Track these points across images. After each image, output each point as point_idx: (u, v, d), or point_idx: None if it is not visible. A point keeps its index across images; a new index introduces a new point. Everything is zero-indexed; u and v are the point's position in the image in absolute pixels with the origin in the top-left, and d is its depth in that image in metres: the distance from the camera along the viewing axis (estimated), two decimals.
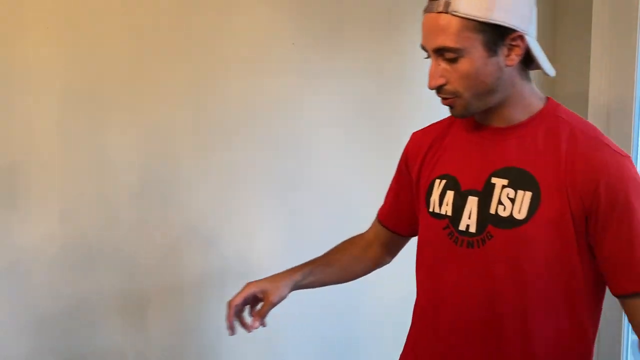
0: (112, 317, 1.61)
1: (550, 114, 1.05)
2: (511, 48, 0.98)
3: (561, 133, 1.01)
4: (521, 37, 0.97)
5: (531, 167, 1.01)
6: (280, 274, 1.23)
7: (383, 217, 1.31)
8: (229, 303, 1.17)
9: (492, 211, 1.02)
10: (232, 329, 1.17)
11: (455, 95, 1.00)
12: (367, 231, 1.35)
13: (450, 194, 1.08)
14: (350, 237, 1.36)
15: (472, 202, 1.05)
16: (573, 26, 2.07)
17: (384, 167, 1.95)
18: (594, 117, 1.95)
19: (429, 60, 1.03)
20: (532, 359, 1.03)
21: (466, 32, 0.94)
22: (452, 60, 0.97)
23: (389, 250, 1.34)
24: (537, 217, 0.98)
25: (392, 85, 1.91)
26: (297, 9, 1.78)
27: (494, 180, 1.03)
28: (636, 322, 0.98)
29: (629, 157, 1.02)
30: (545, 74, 1.06)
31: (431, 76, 1.00)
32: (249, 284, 1.20)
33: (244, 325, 1.19)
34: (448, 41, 0.95)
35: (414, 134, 1.26)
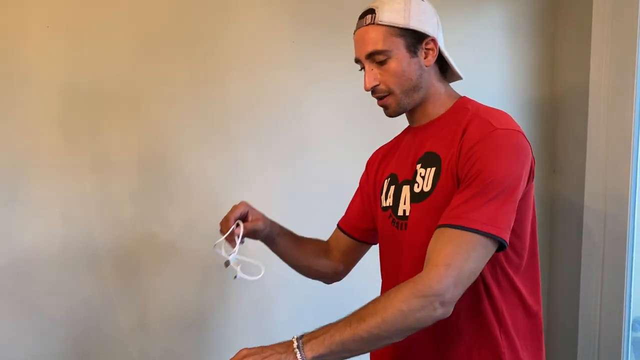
0: (114, 315, 1.62)
1: (460, 107, 1.20)
2: (427, 51, 1.18)
3: (462, 119, 1.16)
4: (434, 41, 1.19)
5: (437, 149, 1.17)
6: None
7: (342, 223, 1.45)
8: (228, 217, 1.32)
9: (417, 190, 1.18)
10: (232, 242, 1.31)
11: (388, 92, 1.19)
12: (328, 238, 1.48)
13: (392, 188, 1.25)
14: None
15: (406, 190, 1.21)
16: (573, 15, 2.07)
17: None
18: (594, 107, 1.94)
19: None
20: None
21: (390, 37, 1.16)
22: (382, 63, 1.17)
23: (345, 258, 1.44)
24: (439, 187, 1.13)
25: None
26: (296, 7, 1.78)
27: (417, 167, 1.20)
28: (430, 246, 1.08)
29: (509, 130, 1.11)
30: (459, 77, 1.26)
31: (367, 80, 1.18)
32: (242, 202, 1.35)
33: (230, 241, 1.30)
34: (378, 45, 1.16)
35: (374, 152, 1.44)
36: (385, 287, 1.28)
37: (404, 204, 1.20)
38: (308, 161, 1.83)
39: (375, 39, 1.16)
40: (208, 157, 1.70)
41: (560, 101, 2.14)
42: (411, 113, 1.25)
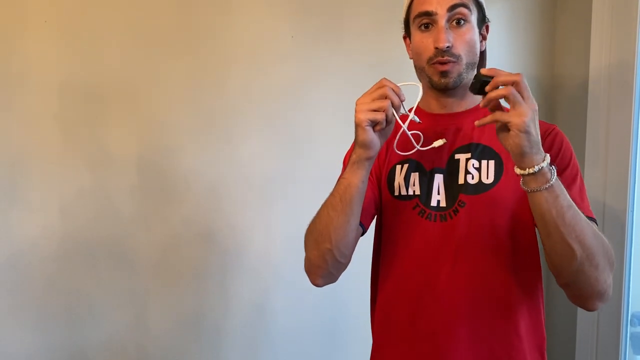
0: (113, 310, 1.62)
1: None
2: (483, 36, 1.16)
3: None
4: (487, 29, 1.17)
5: (488, 142, 1.12)
6: None
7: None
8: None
9: (462, 181, 1.11)
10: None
11: (457, 59, 1.10)
12: None
13: (415, 176, 1.15)
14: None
15: (438, 179, 1.13)
16: (573, 6, 2.06)
17: None
18: (594, 98, 1.94)
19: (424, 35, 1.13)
20: (509, 310, 1.10)
21: (471, 2, 1.11)
22: (459, 24, 1.09)
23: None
24: (503, 181, 1.09)
25: (392, 77, 1.89)
26: (296, 2, 1.77)
27: (457, 156, 1.13)
28: None
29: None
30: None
31: (442, 37, 1.08)
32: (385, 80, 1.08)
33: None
34: (464, 0, 1.08)
35: None
36: (405, 280, 1.16)
37: (437, 193, 1.13)
38: (308, 156, 1.82)
39: None
40: (207, 152, 1.70)
41: (560, 94, 2.14)
42: (448, 95, 1.17)
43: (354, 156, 1.06)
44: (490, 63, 2.08)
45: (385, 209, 1.21)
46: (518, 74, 0.93)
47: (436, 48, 1.09)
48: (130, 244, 1.62)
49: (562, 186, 0.96)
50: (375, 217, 1.25)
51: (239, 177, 1.74)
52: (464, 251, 1.10)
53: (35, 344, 1.54)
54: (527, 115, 0.90)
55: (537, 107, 0.93)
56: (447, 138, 1.15)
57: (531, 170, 0.93)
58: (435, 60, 1.11)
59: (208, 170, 1.70)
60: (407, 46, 1.25)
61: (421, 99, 1.14)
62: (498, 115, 0.94)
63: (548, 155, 0.95)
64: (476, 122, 0.97)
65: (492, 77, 0.95)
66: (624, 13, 1.85)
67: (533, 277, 1.13)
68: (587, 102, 1.97)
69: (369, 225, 1.23)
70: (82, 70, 1.54)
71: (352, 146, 1.13)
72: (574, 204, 0.97)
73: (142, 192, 1.63)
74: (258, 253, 1.78)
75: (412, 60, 1.22)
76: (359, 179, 1.05)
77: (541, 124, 1.03)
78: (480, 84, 0.97)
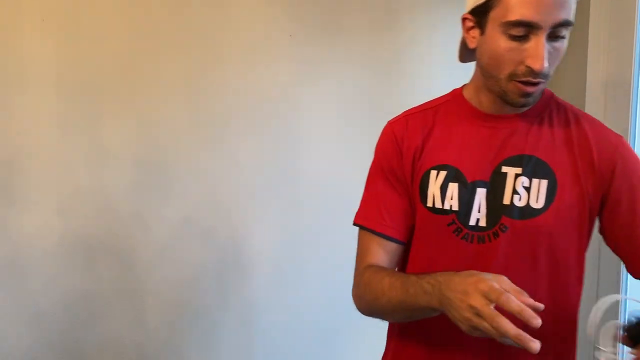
0: (111, 309, 1.62)
1: (550, 100, 1.03)
2: None
3: (566, 118, 1.01)
4: None
5: (543, 155, 0.97)
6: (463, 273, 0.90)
7: (391, 231, 1.06)
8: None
9: (507, 201, 0.97)
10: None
11: (546, 78, 0.93)
12: (374, 260, 1.06)
13: (454, 187, 1.00)
14: (364, 276, 1.05)
15: (480, 194, 0.98)
16: None
17: None
18: (591, 97, 1.94)
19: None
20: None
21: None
22: (557, 40, 0.91)
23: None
24: (555, 205, 0.96)
25: (390, 76, 1.90)
26: (294, 0, 1.77)
27: (504, 169, 0.98)
28: None
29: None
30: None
31: (542, 56, 0.89)
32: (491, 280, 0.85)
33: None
34: (571, 16, 0.90)
35: (393, 124, 1.11)
36: None
37: (478, 211, 0.98)
38: (305, 155, 1.82)
39: (571, 7, 0.90)
40: (205, 151, 1.70)
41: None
42: (501, 99, 0.99)
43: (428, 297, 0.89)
44: None
45: (415, 218, 1.06)
46: None
47: (528, 67, 0.90)
48: (127, 242, 1.62)
49: None
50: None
51: (236, 176, 1.73)
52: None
53: (33, 340, 1.54)
54: None
55: None
56: (496, 143, 1.00)
57: None
58: (522, 79, 0.92)
59: (205, 168, 1.70)
60: (468, 31, 1.01)
61: (469, 89, 1.04)
62: None
63: None
64: None
65: None
66: (621, 26, 1.85)
67: (569, 317, 1.03)
68: (584, 108, 1.97)
69: (408, 238, 1.07)
70: (79, 69, 1.54)
71: (375, 162, 1.08)
72: None
73: (140, 190, 1.62)
74: (255, 251, 1.78)
75: (473, 50, 1.01)
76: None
77: (605, 135, 0.96)
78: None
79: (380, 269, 1.02)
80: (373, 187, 1.10)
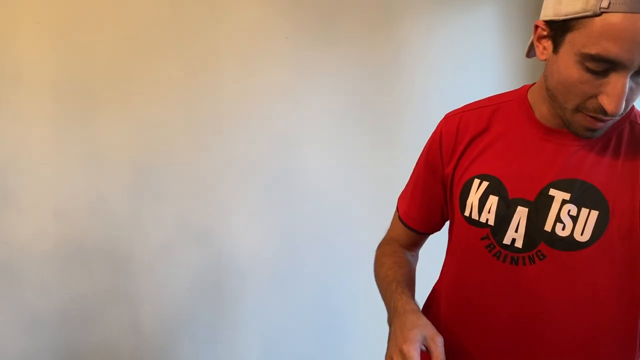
0: (106, 313, 1.61)
1: (625, 117, 0.89)
2: None
3: (635, 141, 0.88)
4: None
5: (599, 182, 0.86)
6: (416, 313, 0.92)
7: (412, 222, 1.13)
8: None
9: (548, 228, 0.89)
10: None
11: (620, 116, 0.82)
12: (396, 237, 1.17)
13: (493, 200, 0.93)
14: (383, 248, 1.17)
15: (521, 213, 0.91)
16: None
17: (376, 160, 1.96)
18: None
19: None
20: None
21: None
22: (637, 78, 0.78)
23: (419, 246, 1.20)
24: (603, 241, 0.85)
25: (385, 79, 1.90)
26: (290, 2, 1.77)
27: (552, 192, 0.89)
28: None
29: None
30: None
31: (621, 98, 0.77)
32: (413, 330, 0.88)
33: None
34: None
35: (448, 120, 1.05)
36: (448, 312, 1.04)
37: (515, 231, 0.91)
38: (301, 157, 1.82)
39: None
40: (200, 153, 1.69)
41: None
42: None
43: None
44: (485, 68, 2.11)
45: (452, 222, 1.05)
46: None
47: (601, 105, 0.79)
48: (123, 245, 1.61)
49: None
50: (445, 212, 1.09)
51: (232, 178, 1.73)
52: (525, 304, 0.93)
53: (28, 345, 1.53)
54: None
55: None
56: (549, 160, 0.90)
57: None
58: (592, 115, 0.81)
59: (201, 170, 1.70)
60: (539, 40, 0.87)
61: (534, 93, 0.94)
62: None
63: None
64: None
65: None
66: None
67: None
68: None
69: (432, 230, 1.12)
70: (74, 71, 1.53)
71: (424, 149, 1.06)
72: None
73: (136, 194, 1.62)
74: (252, 253, 1.78)
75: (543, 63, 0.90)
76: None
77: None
78: None
79: (390, 252, 1.11)
80: (415, 172, 1.12)
